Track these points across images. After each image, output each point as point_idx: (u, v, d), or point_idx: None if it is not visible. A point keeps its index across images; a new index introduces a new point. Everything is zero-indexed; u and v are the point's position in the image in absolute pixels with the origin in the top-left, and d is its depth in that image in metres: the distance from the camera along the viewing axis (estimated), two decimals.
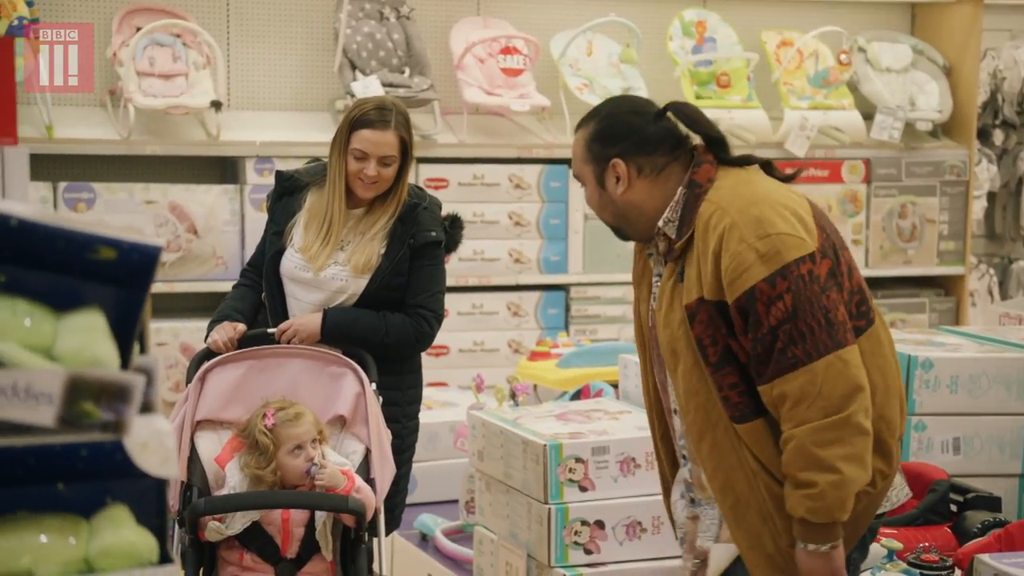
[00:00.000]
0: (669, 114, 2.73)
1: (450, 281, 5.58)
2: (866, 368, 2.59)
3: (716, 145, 2.72)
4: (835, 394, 2.51)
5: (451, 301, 5.87)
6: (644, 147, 2.68)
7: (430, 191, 5.06)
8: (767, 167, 2.75)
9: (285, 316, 3.76)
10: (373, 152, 3.65)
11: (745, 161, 2.73)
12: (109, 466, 1.57)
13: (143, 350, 1.65)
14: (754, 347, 2.55)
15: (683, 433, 2.77)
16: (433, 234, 3.71)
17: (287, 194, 3.80)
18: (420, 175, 5.91)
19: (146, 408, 1.57)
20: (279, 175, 3.82)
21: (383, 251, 3.68)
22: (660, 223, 2.69)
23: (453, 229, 3.84)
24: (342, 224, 3.71)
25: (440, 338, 5.61)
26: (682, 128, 2.73)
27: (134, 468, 1.57)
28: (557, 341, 5.40)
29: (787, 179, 2.75)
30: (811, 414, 2.51)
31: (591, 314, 6.24)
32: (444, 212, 3.84)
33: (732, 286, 2.55)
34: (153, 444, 1.57)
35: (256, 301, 3.84)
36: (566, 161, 6.07)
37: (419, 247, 3.69)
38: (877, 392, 2.62)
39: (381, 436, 3.51)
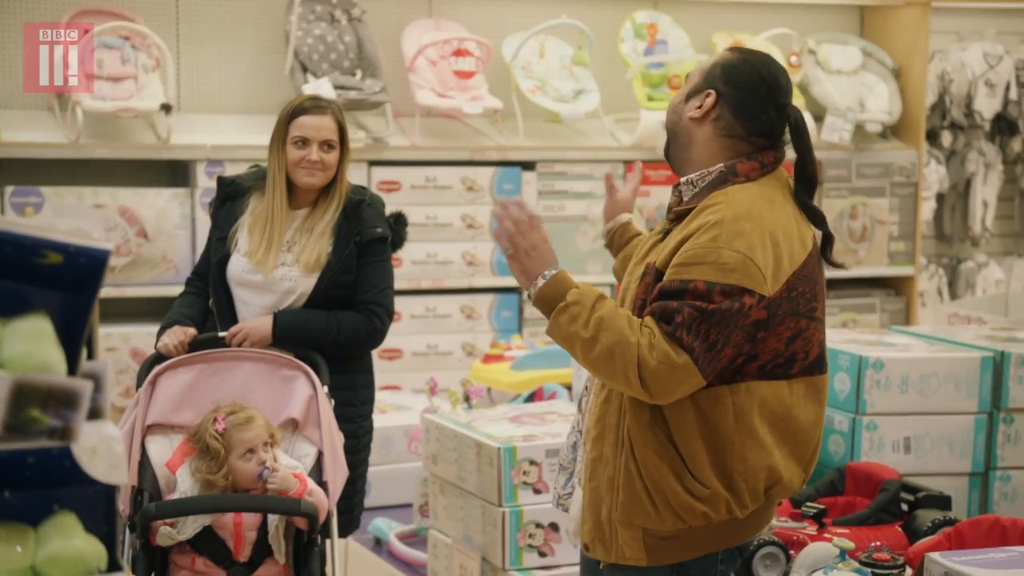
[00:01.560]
0: (788, 112, 2.70)
1: (403, 284, 5.75)
2: (751, 409, 2.58)
3: (801, 175, 2.70)
4: (662, 383, 2.51)
5: (404, 304, 5.92)
6: (742, 109, 2.67)
7: (381, 194, 5.14)
8: (827, 241, 2.73)
9: (234, 321, 3.78)
10: (314, 136, 3.73)
11: (813, 215, 2.71)
12: (57, 473, 1.55)
13: (91, 355, 1.63)
14: (663, 288, 2.56)
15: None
16: (379, 230, 3.77)
17: (229, 199, 3.84)
18: (372, 177, 5.91)
19: (94, 414, 1.56)
20: (221, 181, 3.87)
21: (330, 248, 3.72)
22: (683, 180, 2.72)
23: (398, 225, 3.90)
24: (285, 223, 3.75)
25: (393, 341, 5.84)
26: (783, 133, 2.71)
27: (82, 475, 1.56)
28: (511, 344, 5.40)
29: (835, 265, 2.74)
30: (647, 356, 2.51)
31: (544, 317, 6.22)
32: (388, 210, 3.90)
33: (674, 269, 2.56)
34: (102, 450, 1.56)
35: (204, 308, 3.86)
36: (519, 163, 6.13)
37: (366, 243, 3.75)
38: (750, 436, 2.59)
39: (333, 439, 3.52)
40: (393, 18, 6.26)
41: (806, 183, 2.70)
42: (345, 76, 5.90)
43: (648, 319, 2.57)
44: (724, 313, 2.51)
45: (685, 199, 2.70)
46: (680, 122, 2.73)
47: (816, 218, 2.71)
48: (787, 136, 2.71)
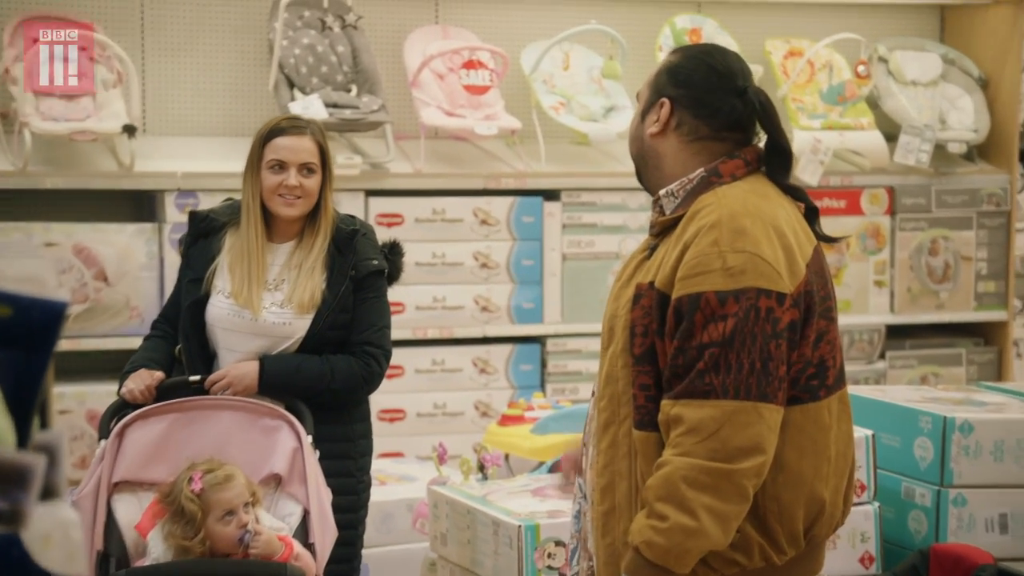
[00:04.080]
0: (750, 96, 2.82)
1: (406, 333, 5.84)
2: (783, 439, 2.65)
3: (774, 156, 2.83)
4: (732, 443, 2.58)
5: (408, 356, 5.94)
6: (700, 107, 2.80)
7: (380, 228, 5.17)
8: (812, 214, 2.85)
9: (208, 372, 3.84)
10: (292, 159, 3.82)
11: (791, 190, 2.84)
12: (4, 564, 1.53)
13: (45, 424, 1.61)
14: (675, 357, 2.65)
15: (592, 417, 2.87)
16: (375, 262, 3.87)
17: (203, 236, 3.91)
18: (370, 209, 5.92)
19: (48, 494, 1.53)
20: (193, 216, 3.94)
21: (324, 285, 3.82)
22: (662, 192, 2.83)
23: (393, 256, 3.99)
24: (264, 258, 3.82)
25: (395, 400, 5.89)
26: (755, 121, 2.84)
27: (34, 567, 1.53)
28: (532, 403, 5.37)
29: (826, 239, 2.84)
30: (698, 450, 2.59)
31: (571, 370, 6.23)
32: (380, 240, 4.01)
33: (682, 283, 2.65)
34: (57, 537, 1.54)
35: (171, 353, 3.94)
36: (540, 192, 6.13)
37: (361, 278, 3.85)
38: (784, 471, 2.67)
39: (321, 496, 3.63)
40: (394, 25, 6.27)
41: (781, 163, 2.82)
42: (338, 92, 5.93)
43: (668, 408, 2.63)
44: (745, 325, 2.59)
45: (667, 212, 2.81)
46: (644, 145, 2.87)
47: (797, 193, 2.84)
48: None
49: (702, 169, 2.79)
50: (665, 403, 2.66)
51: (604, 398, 2.79)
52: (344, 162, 5.70)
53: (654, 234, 2.83)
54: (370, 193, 5.93)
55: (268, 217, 3.87)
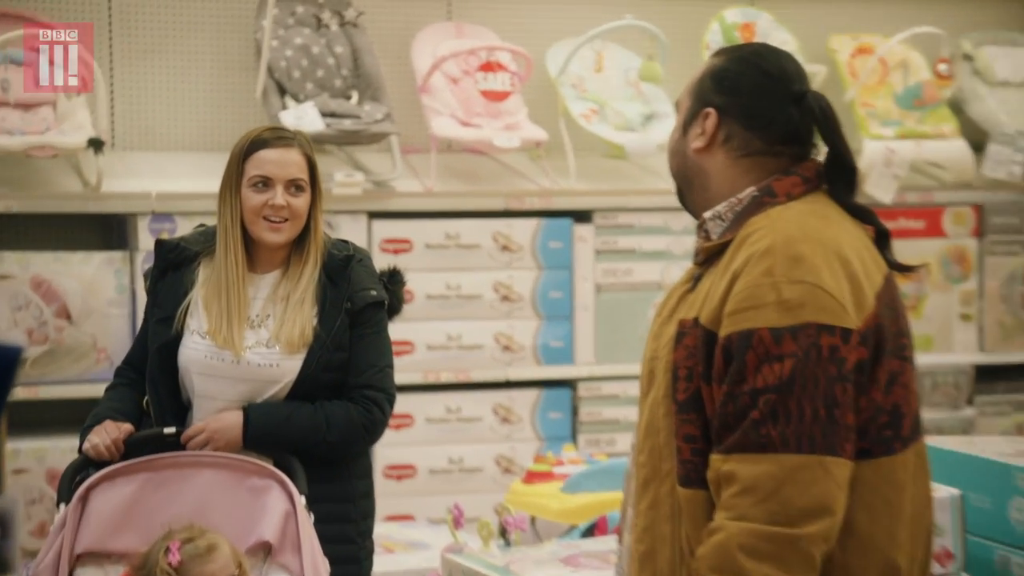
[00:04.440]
0: (809, 103, 2.82)
1: (415, 376, 5.88)
2: (852, 499, 2.64)
3: (837, 172, 2.81)
4: (796, 503, 2.57)
5: (418, 404, 5.95)
6: (752, 118, 2.80)
7: (387, 256, 5.29)
8: (883, 238, 2.84)
9: (181, 424, 3.82)
10: (278, 175, 3.80)
11: (858, 211, 2.83)
12: None
13: None
14: (725, 404, 2.64)
15: (631, 474, 2.86)
16: (374, 293, 3.85)
17: (173, 268, 3.91)
18: (374, 234, 5.92)
19: (1, 568, 1.47)
20: (160, 246, 3.93)
21: (316, 321, 3.80)
22: (708, 214, 2.83)
23: (393, 285, 3.98)
24: (245, 290, 3.82)
25: (403, 454, 5.90)
26: (813, 131, 2.84)
27: None
28: (562, 457, 5.32)
29: (900, 268, 2.83)
30: (756, 513, 2.57)
31: (606, 419, 6.24)
32: (379, 268, 4.00)
33: (731, 319, 2.64)
34: None
35: (139, 403, 3.92)
36: (569, 214, 6.14)
37: (358, 311, 3.83)
38: (853, 535, 2.66)
39: (317, 566, 3.58)
40: (400, 22, 6.29)
41: (845, 180, 2.81)
42: (337, 100, 5.92)
43: (719, 463, 2.63)
44: (805, 366, 2.58)
45: (714, 236, 2.81)
46: (687, 162, 2.86)
47: (864, 215, 2.83)
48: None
49: (753, 188, 2.79)
50: (715, 458, 2.64)
51: (644, 451, 2.77)
52: (344, 180, 5.71)
53: (698, 262, 2.83)
54: (374, 215, 5.92)
55: (249, 244, 3.84)
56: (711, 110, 2.80)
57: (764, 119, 2.78)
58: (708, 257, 2.78)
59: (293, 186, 3.78)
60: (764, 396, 2.58)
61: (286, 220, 3.78)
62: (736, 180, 2.79)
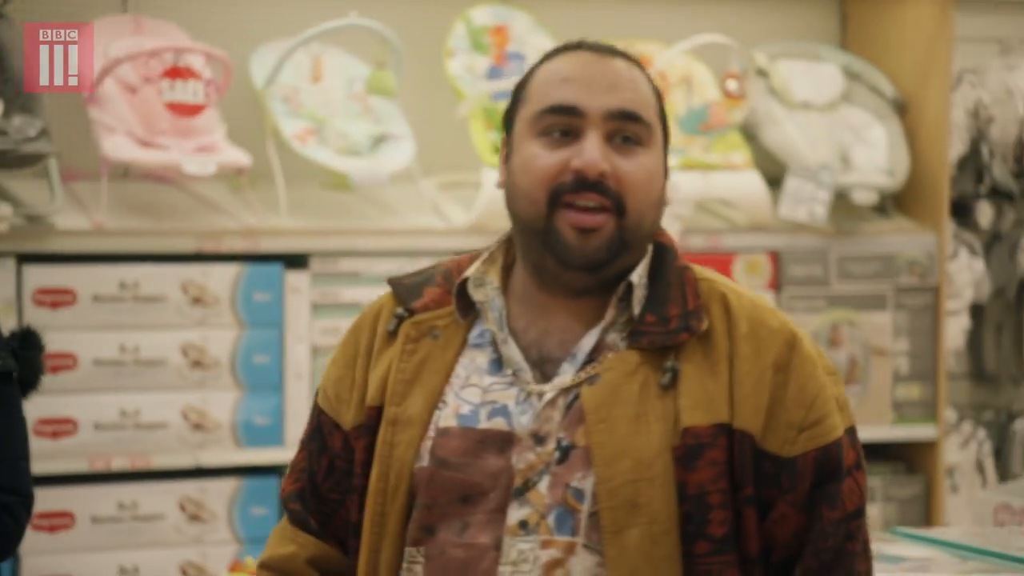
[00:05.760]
0: None
1: (79, 465, 5.49)
2: None
3: None
4: None
5: (80, 500, 5.56)
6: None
7: (43, 310, 5.16)
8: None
9: None
10: None
11: None
12: None
13: None
14: (823, 539, 2.54)
15: None
16: None
17: None
18: (25, 283, 5.35)
19: None
20: None
21: None
22: (635, 277, 2.60)
23: (28, 351, 3.71)
24: None
25: (59, 564, 5.48)
26: None
27: None
28: None
29: None
30: None
31: None
32: (8, 329, 3.73)
33: (810, 432, 2.52)
34: None
35: None
36: (279, 258, 5.72)
37: None
38: None
39: None
40: (63, 12, 5.72)
41: None
42: None
43: None
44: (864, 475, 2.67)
45: (637, 309, 2.59)
46: (661, 213, 2.66)
47: None
48: None
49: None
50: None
51: None
52: None
53: (655, 348, 2.56)
54: (24, 258, 5.37)
55: None
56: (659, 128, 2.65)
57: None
58: (681, 343, 2.57)
59: None
60: (856, 521, 2.55)
61: None
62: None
